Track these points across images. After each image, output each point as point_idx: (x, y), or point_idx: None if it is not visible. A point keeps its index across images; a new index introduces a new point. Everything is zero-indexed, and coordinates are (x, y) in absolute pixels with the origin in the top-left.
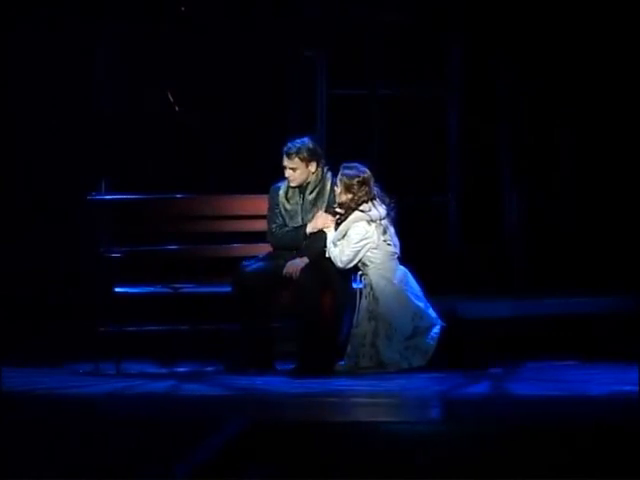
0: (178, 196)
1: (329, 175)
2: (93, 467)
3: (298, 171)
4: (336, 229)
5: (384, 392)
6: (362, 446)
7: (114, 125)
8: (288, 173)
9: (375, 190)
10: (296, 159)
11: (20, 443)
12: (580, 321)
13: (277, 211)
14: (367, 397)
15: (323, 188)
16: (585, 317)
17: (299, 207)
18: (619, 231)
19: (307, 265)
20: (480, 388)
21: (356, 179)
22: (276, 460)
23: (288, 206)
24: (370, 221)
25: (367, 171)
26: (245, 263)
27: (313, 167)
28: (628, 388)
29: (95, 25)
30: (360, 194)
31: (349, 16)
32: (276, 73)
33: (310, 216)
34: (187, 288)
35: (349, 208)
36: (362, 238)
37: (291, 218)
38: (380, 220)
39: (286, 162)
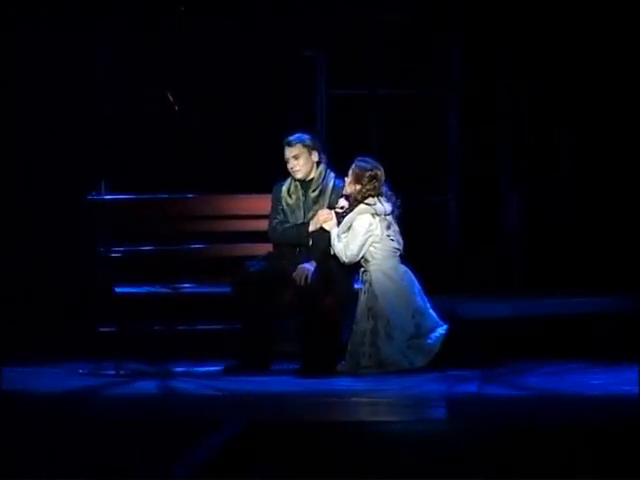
0: (178, 196)
1: (332, 175)
2: (93, 467)
3: (301, 159)
4: (340, 223)
5: (384, 392)
6: (362, 446)
7: (114, 125)
8: (292, 164)
9: (383, 188)
10: (298, 145)
11: (20, 443)
12: (580, 321)
13: (279, 207)
14: (367, 397)
15: (326, 186)
16: (585, 317)
17: (301, 203)
18: (619, 231)
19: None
20: (480, 388)
21: (368, 172)
22: (276, 460)
23: (290, 201)
24: (375, 214)
25: (381, 168)
26: (247, 264)
27: (316, 157)
28: (628, 388)
29: (95, 25)
30: (368, 187)
31: (349, 16)
32: (276, 73)
33: (311, 214)
34: (187, 288)
35: (355, 200)
36: (367, 230)
37: (292, 213)
38: (385, 215)
39: (288, 152)
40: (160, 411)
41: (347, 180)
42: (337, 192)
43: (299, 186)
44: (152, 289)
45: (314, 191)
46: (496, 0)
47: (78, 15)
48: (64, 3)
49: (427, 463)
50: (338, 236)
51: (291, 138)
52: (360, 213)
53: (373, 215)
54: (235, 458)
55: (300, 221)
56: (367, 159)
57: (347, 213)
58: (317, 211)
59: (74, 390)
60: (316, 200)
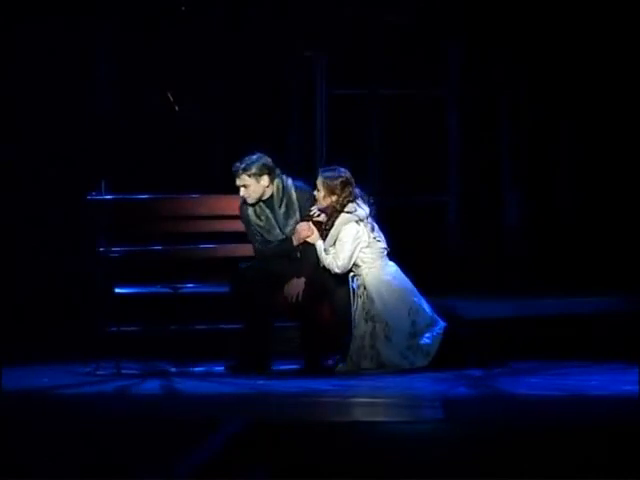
0: (178, 196)
1: (289, 183)
2: (93, 467)
3: (250, 188)
4: (323, 235)
5: (384, 392)
6: (362, 446)
7: (114, 125)
8: (242, 192)
9: (356, 190)
10: (244, 176)
11: (20, 443)
12: (580, 321)
13: (253, 229)
14: (367, 397)
15: (290, 199)
16: (585, 317)
17: (272, 222)
18: (619, 231)
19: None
20: (480, 388)
21: (339, 179)
22: (276, 460)
23: (260, 222)
24: (358, 220)
25: (347, 172)
26: (242, 265)
27: (265, 181)
28: (628, 388)
29: (95, 25)
30: (344, 194)
31: (349, 16)
32: (276, 73)
33: (288, 229)
34: (187, 288)
35: (334, 211)
36: (355, 239)
37: (268, 233)
38: (367, 218)
39: (237, 181)
40: (160, 411)
41: (319, 195)
42: (303, 195)
43: (263, 206)
44: (152, 289)
45: (280, 207)
46: (496, 0)
47: (78, 15)
48: (64, 3)
49: (427, 463)
50: (325, 250)
51: (237, 167)
52: (344, 224)
53: (357, 222)
54: (235, 458)
55: (280, 237)
56: (330, 167)
57: (329, 225)
58: (295, 225)
59: (74, 390)
60: (287, 214)
